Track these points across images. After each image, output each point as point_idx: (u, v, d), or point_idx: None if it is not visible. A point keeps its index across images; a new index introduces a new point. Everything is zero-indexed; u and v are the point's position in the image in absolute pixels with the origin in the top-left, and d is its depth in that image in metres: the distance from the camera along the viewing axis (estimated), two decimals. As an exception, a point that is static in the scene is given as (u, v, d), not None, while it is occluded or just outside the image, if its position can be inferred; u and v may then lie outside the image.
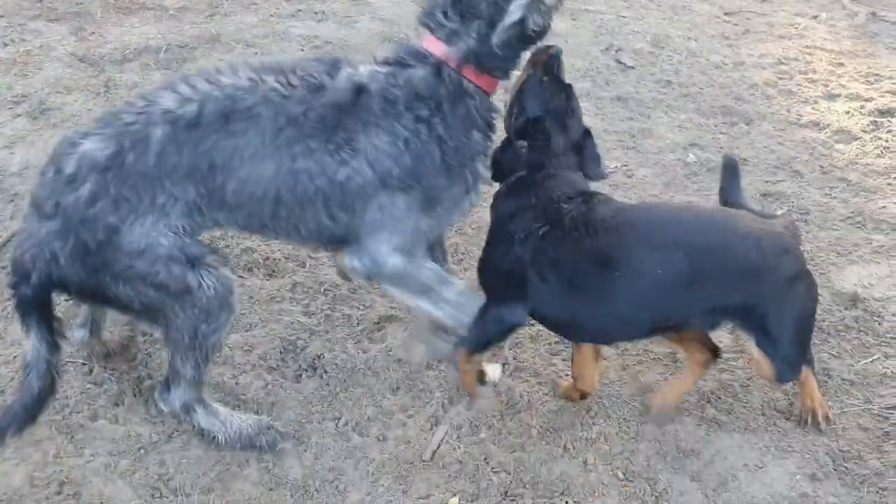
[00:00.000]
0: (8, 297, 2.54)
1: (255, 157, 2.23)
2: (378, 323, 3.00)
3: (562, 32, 5.40)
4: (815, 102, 4.72)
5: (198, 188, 2.23)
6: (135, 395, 2.63)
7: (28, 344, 2.28)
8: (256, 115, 2.23)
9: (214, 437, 2.46)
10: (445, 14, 2.30)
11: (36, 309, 2.27)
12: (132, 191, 2.18)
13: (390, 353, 2.86)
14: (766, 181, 3.87)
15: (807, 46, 5.52)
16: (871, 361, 2.72)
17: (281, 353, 2.84)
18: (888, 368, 2.68)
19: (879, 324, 2.90)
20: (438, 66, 2.30)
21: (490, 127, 2.44)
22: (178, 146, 2.20)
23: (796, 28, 5.85)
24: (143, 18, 4.97)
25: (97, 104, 4.03)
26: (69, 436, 2.46)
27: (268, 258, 3.25)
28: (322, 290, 3.13)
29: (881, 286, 3.10)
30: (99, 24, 4.86)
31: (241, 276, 3.15)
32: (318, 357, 2.83)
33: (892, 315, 2.94)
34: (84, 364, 2.73)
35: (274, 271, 3.20)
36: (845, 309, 3.00)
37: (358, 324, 2.99)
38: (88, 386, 2.66)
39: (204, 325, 2.30)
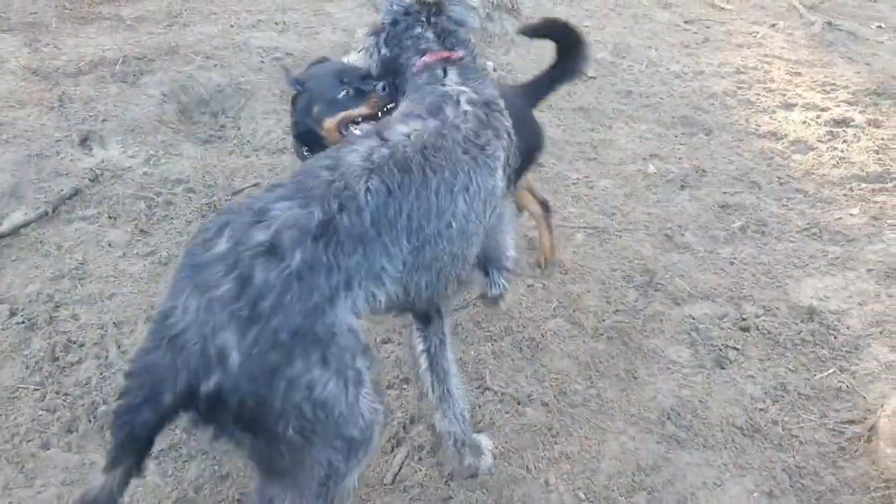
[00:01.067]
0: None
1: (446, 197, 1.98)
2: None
3: (523, 42, 5.42)
4: (773, 112, 4.79)
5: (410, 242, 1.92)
6: (89, 421, 2.57)
7: (101, 480, 1.70)
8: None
9: None
10: None
11: (144, 441, 1.70)
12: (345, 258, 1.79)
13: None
14: (725, 192, 3.91)
15: (765, 55, 5.60)
16: (827, 375, 2.75)
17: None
18: (843, 382, 2.71)
19: (835, 337, 2.93)
20: None
21: None
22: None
23: (754, 37, 5.93)
24: (99, 29, 4.89)
25: (51, 119, 3.95)
26: (19, 465, 2.40)
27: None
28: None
29: (836, 299, 3.14)
30: (54, 35, 4.77)
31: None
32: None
33: (847, 328, 2.98)
34: (36, 389, 2.67)
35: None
36: (802, 322, 3.03)
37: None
38: (40, 413, 2.59)
39: (342, 465, 1.85)
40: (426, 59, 2.25)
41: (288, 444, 1.76)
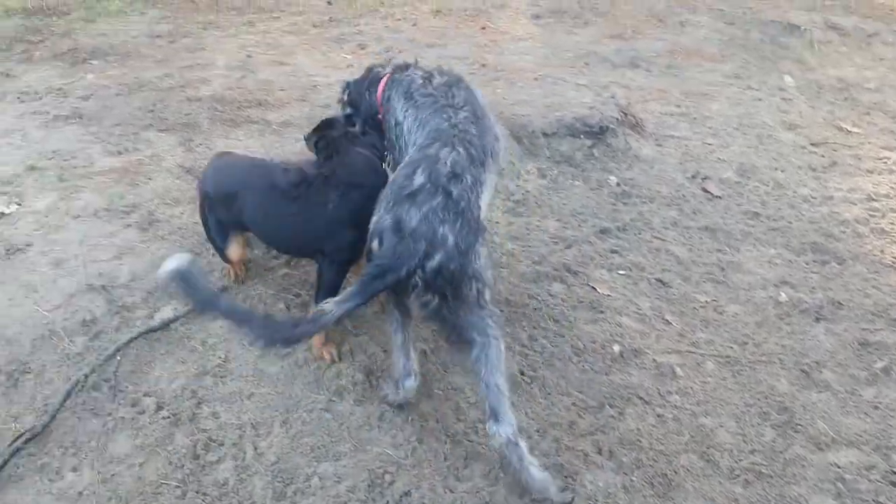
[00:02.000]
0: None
1: None
2: (466, 459, 2.98)
3: (647, 158, 5.47)
4: (910, 244, 4.63)
5: None
6: None
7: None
8: None
9: None
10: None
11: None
12: None
13: (478, 493, 2.83)
14: (864, 328, 3.78)
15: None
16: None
17: (368, 486, 2.84)
18: None
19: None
20: None
21: None
22: None
23: (885, 162, 5.80)
24: (247, 132, 5.21)
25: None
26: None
27: (356, 382, 3.28)
28: (409, 419, 3.14)
29: None
30: (206, 136, 5.11)
31: (332, 401, 3.18)
32: (406, 494, 2.81)
33: None
34: (177, 487, 2.76)
35: (363, 397, 3.22)
36: (954, 478, 2.86)
37: (445, 459, 2.97)
38: None
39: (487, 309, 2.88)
40: None
41: (467, 303, 2.77)
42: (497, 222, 4.60)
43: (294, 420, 3.08)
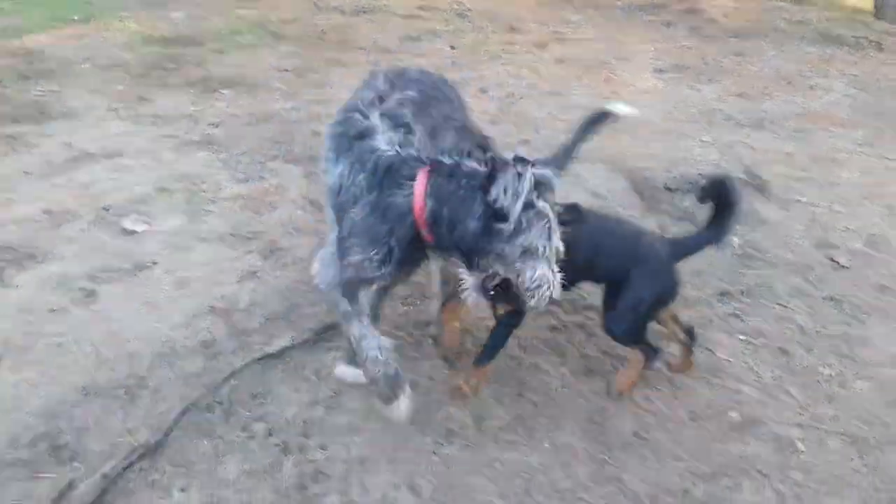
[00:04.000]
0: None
1: None
2: (572, 518, 2.89)
3: (772, 221, 5.29)
4: None
5: None
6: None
7: None
8: None
9: None
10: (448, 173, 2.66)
11: None
12: None
13: None
14: None
15: None
16: None
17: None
18: None
19: None
20: None
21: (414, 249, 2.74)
22: None
23: None
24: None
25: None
26: None
27: (464, 426, 3.24)
28: (518, 471, 3.07)
29: None
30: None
31: (440, 443, 3.15)
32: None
33: None
34: None
35: (472, 443, 3.17)
36: None
37: (552, 516, 2.89)
38: None
39: None
40: None
41: None
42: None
43: (401, 459, 3.06)
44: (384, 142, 2.70)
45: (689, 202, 5.24)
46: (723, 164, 5.62)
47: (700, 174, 5.37)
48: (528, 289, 2.59)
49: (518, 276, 2.57)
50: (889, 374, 3.83)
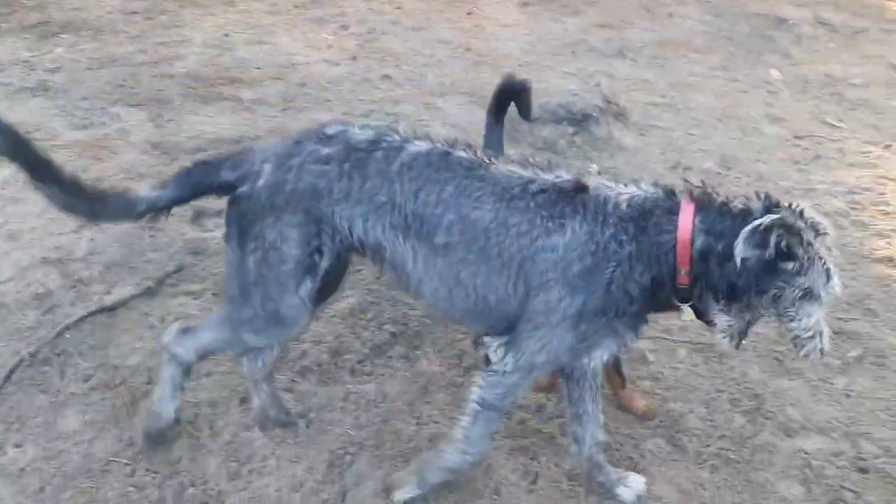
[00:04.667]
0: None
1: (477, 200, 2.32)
2: (431, 440, 2.90)
3: (629, 147, 5.40)
4: (889, 237, 4.57)
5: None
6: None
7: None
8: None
9: None
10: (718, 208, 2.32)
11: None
12: None
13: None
14: (839, 318, 3.70)
15: (880, 176, 5.40)
16: None
17: (328, 466, 2.75)
18: None
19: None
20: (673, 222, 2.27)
21: (650, 301, 2.36)
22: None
23: (867, 156, 5.75)
24: (219, 109, 5.10)
25: (167, 192, 4.09)
26: (104, 544, 2.38)
27: (321, 363, 3.19)
28: (375, 400, 3.05)
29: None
30: (177, 112, 5.00)
31: (295, 381, 3.10)
32: (365, 474, 2.73)
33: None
34: (127, 465, 2.67)
35: (328, 378, 3.13)
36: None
37: (409, 440, 2.89)
38: (129, 489, 2.59)
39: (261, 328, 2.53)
40: None
41: (247, 269, 2.40)
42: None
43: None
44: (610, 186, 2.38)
45: (548, 132, 5.29)
46: (582, 93, 5.67)
47: (559, 104, 5.41)
48: (797, 338, 2.34)
49: (791, 321, 2.32)
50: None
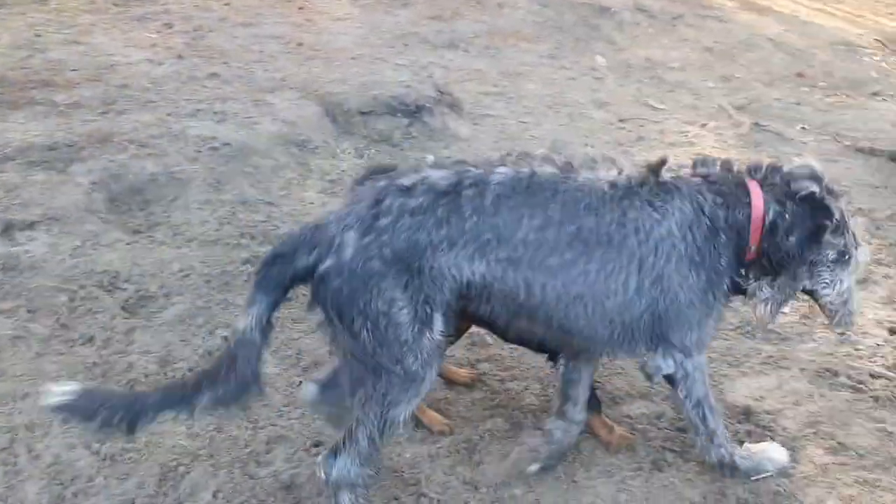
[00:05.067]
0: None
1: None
2: (268, 444, 2.85)
3: (464, 137, 5.51)
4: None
5: None
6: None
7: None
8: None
9: None
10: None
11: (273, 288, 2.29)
12: None
13: (280, 476, 2.70)
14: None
15: (697, 153, 5.76)
16: (765, 478, 2.72)
17: (159, 480, 2.65)
18: (781, 486, 2.68)
19: (772, 438, 2.92)
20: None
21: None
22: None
23: (686, 136, 6.12)
24: (30, 114, 4.77)
25: (-30, 205, 3.81)
26: None
27: (148, 374, 3.07)
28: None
29: (771, 398, 3.14)
30: (-20, 119, 4.65)
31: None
32: (199, 485, 2.64)
33: (783, 429, 2.97)
34: None
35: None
36: (738, 422, 3.01)
37: (246, 446, 2.83)
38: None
39: (395, 391, 2.33)
40: None
41: (362, 345, 2.25)
42: (311, 203, 4.47)
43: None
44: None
45: (383, 124, 5.31)
46: (416, 84, 5.72)
47: (392, 96, 5.44)
48: (831, 304, 2.52)
49: (826, 288, 2.50)
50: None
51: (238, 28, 6.65)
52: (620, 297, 2.36)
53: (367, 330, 2.23)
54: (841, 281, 2.50)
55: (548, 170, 2.37)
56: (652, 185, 2.40)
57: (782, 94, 7.05)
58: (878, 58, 8.18)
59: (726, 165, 2.52)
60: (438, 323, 2.29)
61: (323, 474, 2.43)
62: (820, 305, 2.60)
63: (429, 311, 2.26)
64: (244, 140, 4.72)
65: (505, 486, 2.69)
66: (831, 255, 2.46)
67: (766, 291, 2.49)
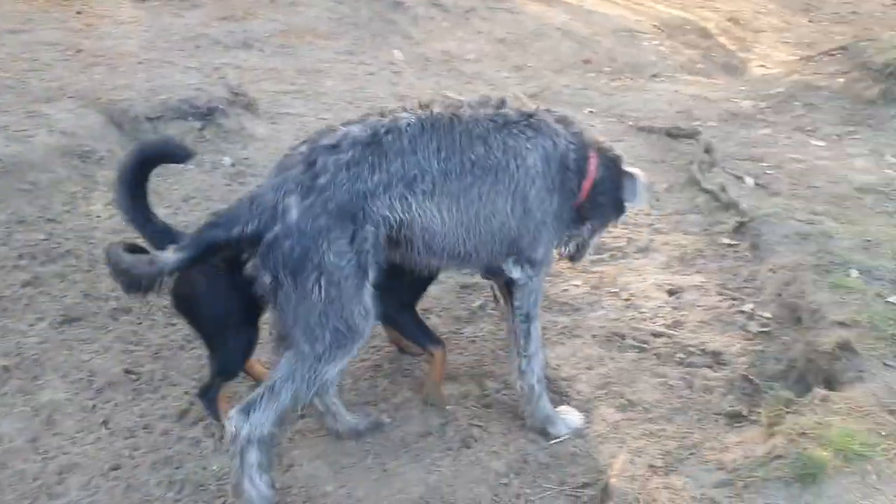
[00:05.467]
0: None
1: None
2: (61, 474, 2.68)
3: (262, 136, 5.41)
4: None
5: None
6: None
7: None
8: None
9: None
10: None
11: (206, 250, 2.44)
12: None
13: (77, 509, 2.55)
14: (465, 273, 4.02)
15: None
16: (562, 441, 2.88)
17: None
18: (577, 447, 2.84)
19: (568, 402, 3.08)
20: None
21: None
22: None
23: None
24: None
25: None
26: None
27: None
28: (-7, 446, 2.75)
29: (567, 365, 3.31)
30: None
31: None
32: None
33: (578, 393, 3.14)
34: None
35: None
36: (538, 392, 3.16)
37: (35, 479, 2.65)
38: None
39: (333, 348, 2.46)
40: None
41: (312, 304, 2.37)
42: (98, 216, 4.23)
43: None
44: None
45: (174, 129, 5.11)
46: (207, 86, 5.55)
47: (182, 100, 5.24)
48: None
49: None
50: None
51: (5, 35, 6.16)
52: (502, 216, 2.67)
53: (320, 286, 2.36)
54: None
55: (440, 110, 2.63)
56: (525, 121, 2.73)
57: (571, 80, 7.42)
58: (656, 42, 8.80)
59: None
60: (374, 272, 2.47)
61: (233, 428, 2.43)
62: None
63: (368, 259, 2.45)
64: (18, 154, 4.36)
65: (315, 484, 2.68)
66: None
67: (595, 239, 3.12)
